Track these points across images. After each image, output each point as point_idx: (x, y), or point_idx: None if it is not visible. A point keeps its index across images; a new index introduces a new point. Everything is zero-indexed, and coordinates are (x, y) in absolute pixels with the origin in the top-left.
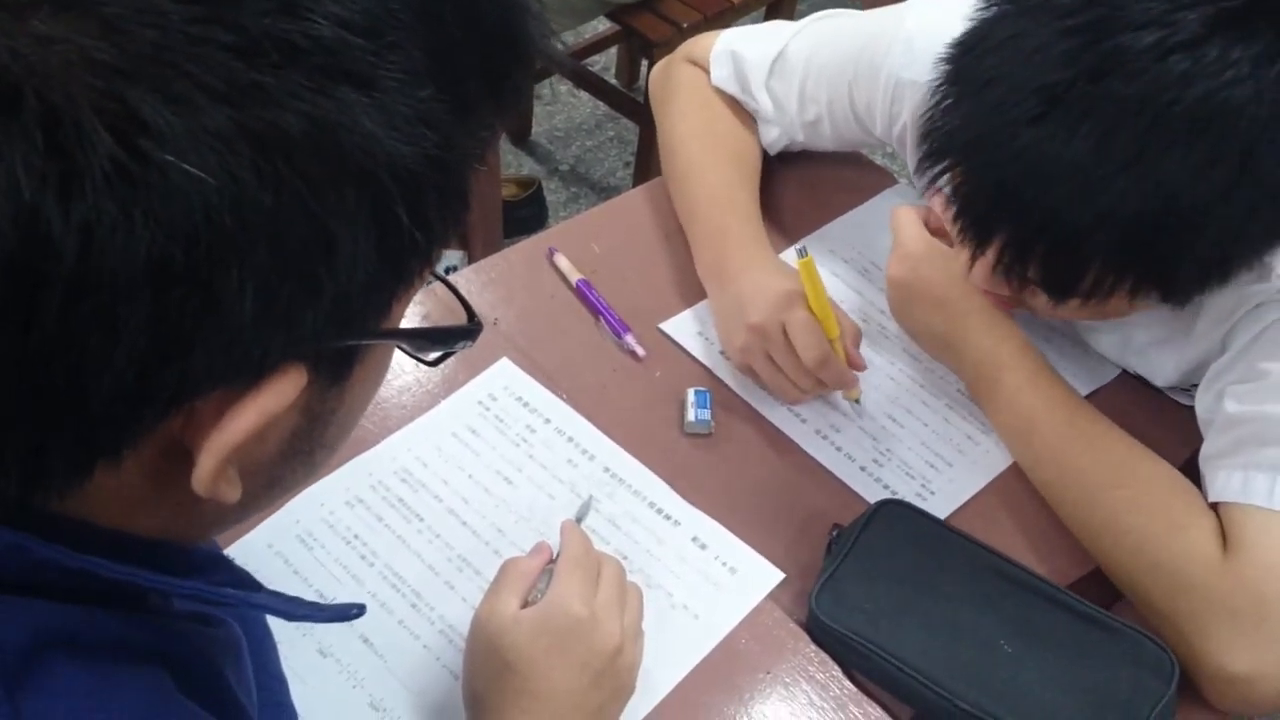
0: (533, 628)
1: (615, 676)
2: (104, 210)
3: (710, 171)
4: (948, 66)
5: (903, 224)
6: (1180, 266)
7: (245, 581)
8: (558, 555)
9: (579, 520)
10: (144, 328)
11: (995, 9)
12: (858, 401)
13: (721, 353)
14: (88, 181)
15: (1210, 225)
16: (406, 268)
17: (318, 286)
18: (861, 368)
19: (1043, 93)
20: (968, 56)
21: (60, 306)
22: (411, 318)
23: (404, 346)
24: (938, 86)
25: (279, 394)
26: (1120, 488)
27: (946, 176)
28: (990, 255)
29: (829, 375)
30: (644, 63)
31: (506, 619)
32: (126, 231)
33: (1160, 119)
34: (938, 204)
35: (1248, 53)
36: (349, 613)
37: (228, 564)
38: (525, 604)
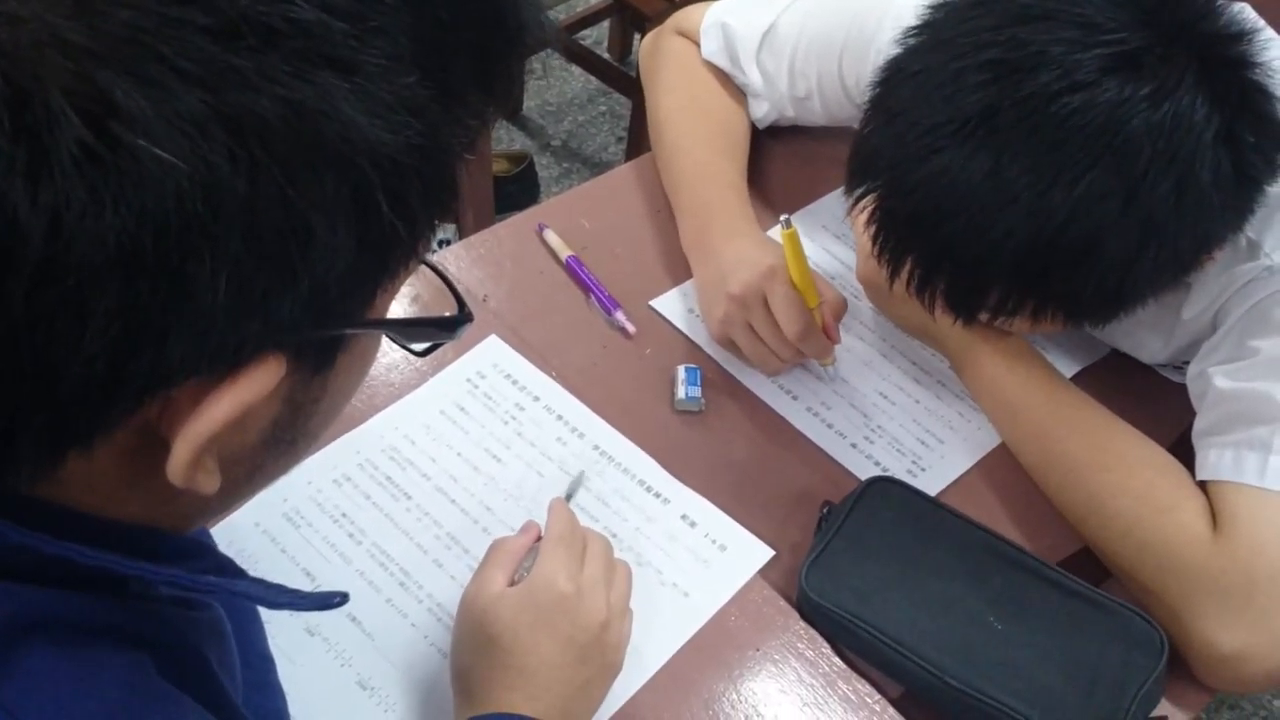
0: (518, 603)
1: (601, 652)
2: (73, 195)
3: (697, 145)
4: (875, 93)
5: (862, 224)
6: (1079, 294)
7: (227, 568)
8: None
9: (569, 497)
10: (114, 315)
11: (914, 39)
12: (832, 365)
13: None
14: (56, 165)
15: (1100, 256)
16: (389, 258)
17: (293, 276)
18: (836, 341)
19: (943, 127)
20: (886, 86)
21: (27, 292)
22: (401, 299)
23: (391, 335)
24: (866, 112)
25: (256, 384)
26: (1106, 470)
27: (867, 199)
28: (903, 275)
29: (809, 346)
30: (636, 36)
31: (492, 596)
32: (96, 217)
33: (1050, 153)
34: (859, 225)
35: (1139, 92)
36: (331, 601)
37: (210, 550)
38: (512, 582)
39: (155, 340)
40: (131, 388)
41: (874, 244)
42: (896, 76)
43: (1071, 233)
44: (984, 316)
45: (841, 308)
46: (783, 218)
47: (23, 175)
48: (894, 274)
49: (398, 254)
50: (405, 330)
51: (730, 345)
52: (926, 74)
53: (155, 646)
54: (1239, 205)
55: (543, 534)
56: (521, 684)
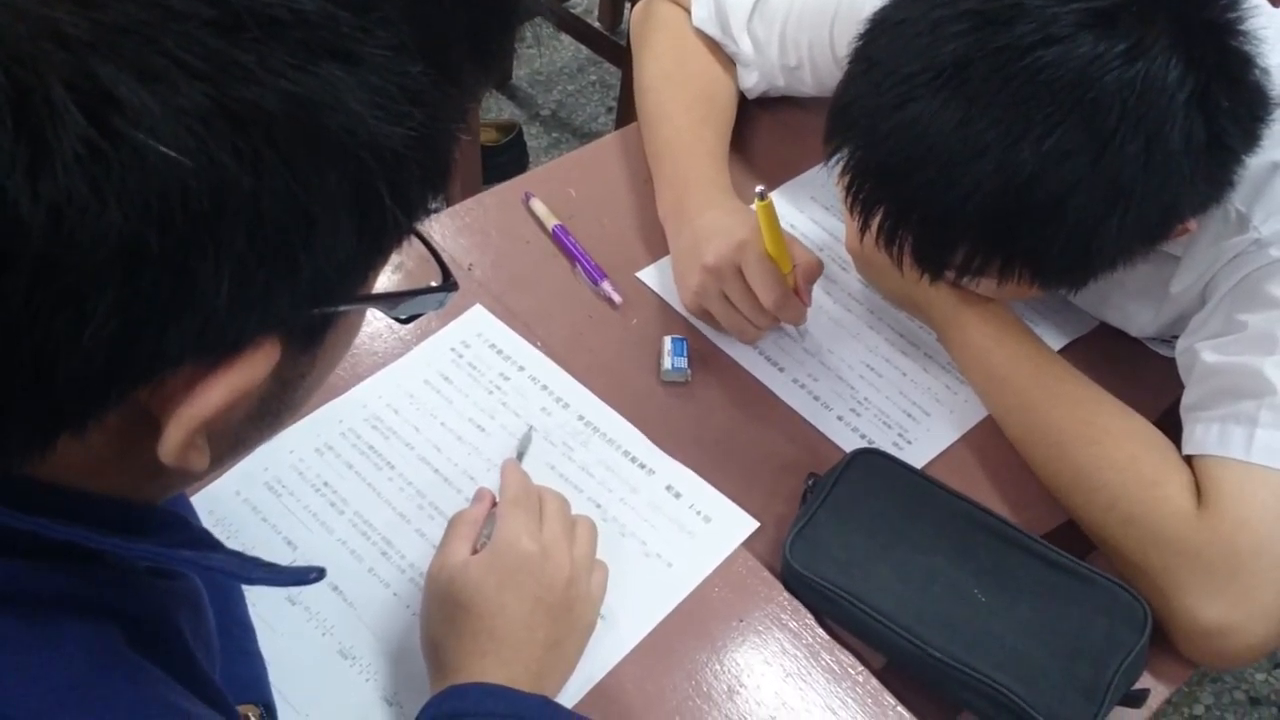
0: (482, 568)
1: (569, 609)
2: (75, 191)
3: (678, 113)
4: (858, 45)
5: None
6: (1045, 252)
7: (203, 541)
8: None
9: (520, 455)
10: (115, 309)
11: None
12: (803, 324)
13: None
14: (58, 161)
15: (1067, 213)
16: (386, 241)
17: (295, 267)
18: (806, 304)
19: (918, 76)
20: (869, 36)
21: (28, 286)
22: (386, 268)
23: (379, 307)
24: (848, 65)
25: (252, 368)
26: (1091, 444)
27: (842, 151)
28: (873, 228)
29: (785, 313)
30: (627, 5)
31: (457, 565)
32: (98, 213)
33: (1021, 107)
34: (834, 177)
35: (1113, 49)
36: (307, 577)
37: (184, 523)
38: (475, 550)
39: (154, 333)
40: (128, 376)
41: (847, 194)
42: (880, 27)
43: (1038, 188)
44: (950, 275)
45: (815, 270)
46: (757, 189)
47: (24, 170)
48: (864, 226)
49: (394, 236)
50: (393, 301)
51: (704, 315)
52: (907, 24)
53: (125, 617)
54: (1212, 174)
55: (497, 498)
56: (493, 648)
